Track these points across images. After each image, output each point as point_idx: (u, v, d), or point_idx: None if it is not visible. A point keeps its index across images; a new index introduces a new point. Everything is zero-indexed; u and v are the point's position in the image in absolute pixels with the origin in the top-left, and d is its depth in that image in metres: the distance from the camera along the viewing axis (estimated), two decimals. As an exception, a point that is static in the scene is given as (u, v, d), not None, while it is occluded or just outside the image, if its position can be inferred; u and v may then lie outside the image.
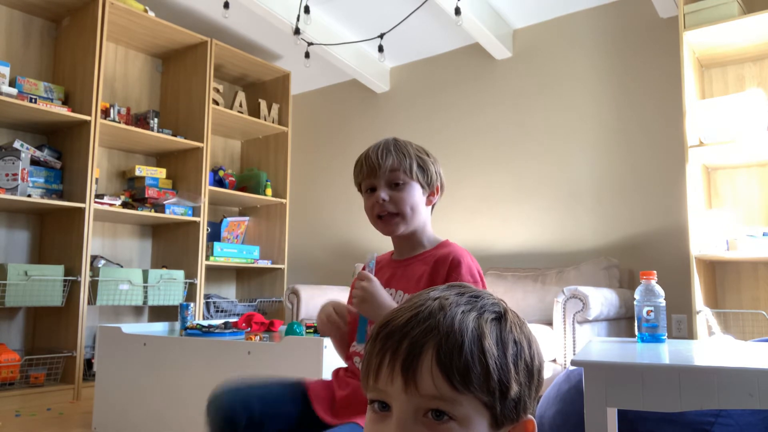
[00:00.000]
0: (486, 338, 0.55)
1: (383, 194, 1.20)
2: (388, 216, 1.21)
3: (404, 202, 1.21)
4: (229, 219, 4.35)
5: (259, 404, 1.07)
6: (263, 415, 1.07)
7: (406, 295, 1.21)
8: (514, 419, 0.57)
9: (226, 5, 3.07)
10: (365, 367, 0.59)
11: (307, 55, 3.57)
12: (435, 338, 0.55)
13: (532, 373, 0.59)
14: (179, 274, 3.71)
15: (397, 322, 0.57)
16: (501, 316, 0.59)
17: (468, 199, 3.90)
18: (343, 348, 1.25)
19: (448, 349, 0.54)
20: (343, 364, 1.27)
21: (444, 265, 1.19)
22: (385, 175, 1.21)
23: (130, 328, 2.54)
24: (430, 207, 1.29)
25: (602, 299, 2.64)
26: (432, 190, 1.28)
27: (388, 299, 1.12)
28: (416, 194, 1.24)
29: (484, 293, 0.62)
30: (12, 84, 3.21)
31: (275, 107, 4.44)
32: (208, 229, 3.90)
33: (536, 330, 2.61)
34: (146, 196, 3.68)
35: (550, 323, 2.74)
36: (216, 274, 4.38)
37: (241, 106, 4.27)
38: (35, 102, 3.13)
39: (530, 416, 0.59)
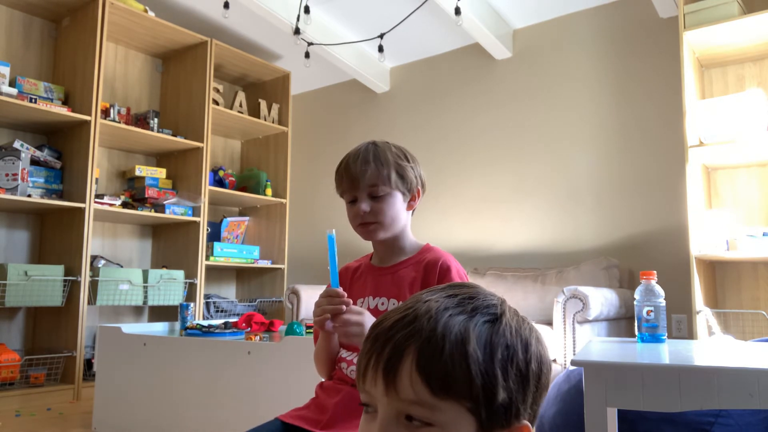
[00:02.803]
0: (470, 343, 0.54)
1: (364, 206, 1.20)
2: (368, 223, 1.21)
3: (384, 213, 1.21)
4: (229, 219, 4.35)
5: None
6: None
7: (399, 303, 1.19)
8: (504, 425, 0.55)
9: (226, 5, 3.07)
10: (357, 367, 0.59)
11: (307, 55, 3.57)
12: (416, 342, 0.54)
13: (526, 378, 0.56)
14: (179, 274, 3.71)
15: (384, 325, 0.57)
16: (496, 319, 0.57)
17: (468, 199, 3.90)
18: (329, 359, 1.23)
19: (429, 353, 0.53)
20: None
21: (434, 270, 1.19)
22: (365, 189, 1.21)
23: (130, 328, 2.54)
24: (411, 211, 1.28)
25: (602, 299, 2.64)
26: (412, 195, 1.26)
27: None
28: (397, 203, 1.23)
29: (481, 294, 0.60)
30: (12, 84, 3.21)
31: (275, 107, 4.44)
32: (208, 229, 3.90)
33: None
34: (146, 196, 3.68)
35: (550, 323, 2.74)
36: (216, 274, 4.38)
37: (241, 106, 4.27)
38: (35, 102, 3.13)
39: (525, 422, 0.56)
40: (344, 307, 1.08)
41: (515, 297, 3.17)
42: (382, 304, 1.21)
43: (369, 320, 1.08)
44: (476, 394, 0.53)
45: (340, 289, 1.11)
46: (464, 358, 0.53)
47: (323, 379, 1.25)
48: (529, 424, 0.57)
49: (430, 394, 0.52)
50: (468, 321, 0.56)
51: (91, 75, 3.31)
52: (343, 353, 1.22)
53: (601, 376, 0.99)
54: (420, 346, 0.54)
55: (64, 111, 3.23)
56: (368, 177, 1.20)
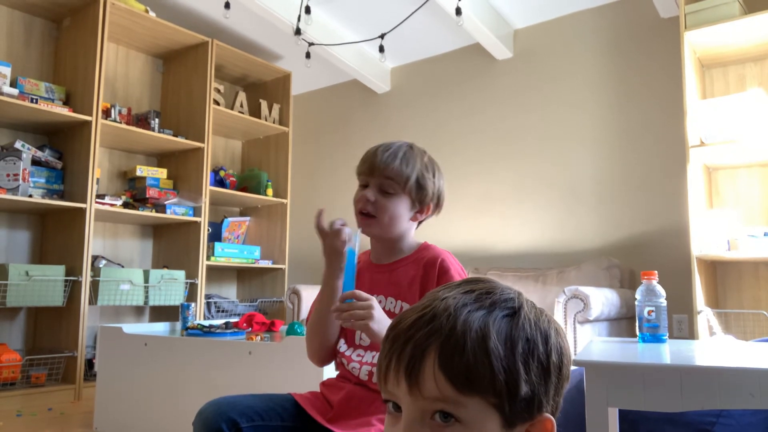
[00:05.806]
0: (490, 338, 0.54)
1: (371, 195, 1.21)
2: (366, 215, 1.22)
3: (385, 211, 1.21)
4: (229, 219, 4.35)
5: (245, 419, 1.07)
6: (250, 429, 1.07)
7: (398, 302, 1.20)
8: (527, 418, 0.56)
9: (227, 5, 3.07)
10: (378, 368, 0.59)
11: (308, 55, 3.57)
12: (437, 341, 0.54)
13: (547, 370, 0.57)
14: (180, 275, 3.71)
15: (403, 325, 0.57)
16: (515, 312, 0.57)
17: (469, 199, 3.90)
18: (323, 335, 1.23)
19: (450, 351, 0.53)
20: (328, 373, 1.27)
21: (433, 269, 1.19)
22: (379, 178, 1.21)
23: (131, 328, 2.54)
24: (415, 222, 1.28)
25: (603, 299, 2.64)
26: (422, 207, 1.26)
27: (386, 318, 1.09)
28: (401, 207, 1.22)
29: (498, 288, 0.60)
30: (13, 84, 3.21)
31: (276, 107, 4.44)
32: (209, 230, 3.90)
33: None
34: (147, 196, 3.69)
35: (551, 323, 2.74)
36: (217, 274, 4.38)
37: (241, 106, 4.27)
38: (36, 102, 3.14)
39: (547, 415, 0.57)
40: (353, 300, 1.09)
41: (516, 297, 3.17)
42: (380, 302, 1.22)
43: (376, 307, 1.07)
44: (500, 389, 0.53)
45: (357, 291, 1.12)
46: (486, 354, 0.53)
47: (318, 367, 1.26)
48: (552, 417, 0.57)
49: (455, 391, 0.53)
50: (487, 316, 0.56)
51: (92, 75, 3.31)
52: (345, 350, 1.22)
53: (602, 376, 0.99)
54: (441, 344, 0.54)
55: (65, 111, 3.23)
56: (387, 169, 1.20)
